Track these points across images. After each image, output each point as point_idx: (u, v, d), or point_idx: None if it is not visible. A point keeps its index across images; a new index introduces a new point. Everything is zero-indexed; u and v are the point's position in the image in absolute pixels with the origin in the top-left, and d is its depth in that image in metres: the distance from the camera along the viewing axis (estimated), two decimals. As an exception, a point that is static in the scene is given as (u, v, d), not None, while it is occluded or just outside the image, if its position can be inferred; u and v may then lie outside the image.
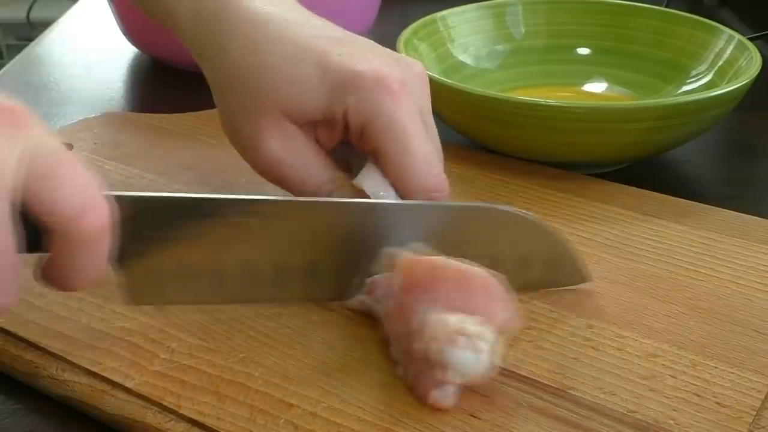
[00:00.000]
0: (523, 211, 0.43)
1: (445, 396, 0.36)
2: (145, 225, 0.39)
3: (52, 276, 0.34)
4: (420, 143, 0.42)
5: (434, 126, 0.45)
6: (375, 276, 0.41)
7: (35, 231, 0.32)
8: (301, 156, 0.44)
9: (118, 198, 0.35)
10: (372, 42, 0.45)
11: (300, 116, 0.43)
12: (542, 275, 0.44)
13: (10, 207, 0.30)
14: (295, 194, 0.45)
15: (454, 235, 0.42)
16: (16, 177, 0.30)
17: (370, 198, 0.43)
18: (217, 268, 0.41)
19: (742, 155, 0.66)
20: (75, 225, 0.32)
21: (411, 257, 0.39)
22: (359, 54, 0.43)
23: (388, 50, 0.45)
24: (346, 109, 0.42)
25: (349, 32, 0.46)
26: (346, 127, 0.43)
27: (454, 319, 0.36)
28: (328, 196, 0.44)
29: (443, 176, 0.43)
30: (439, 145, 0.45)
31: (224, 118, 0.46)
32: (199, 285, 0.42)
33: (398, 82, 0.42)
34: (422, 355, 0.36)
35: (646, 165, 0.60)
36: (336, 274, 0.42)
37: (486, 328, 0.36)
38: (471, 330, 0.36)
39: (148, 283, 0.41)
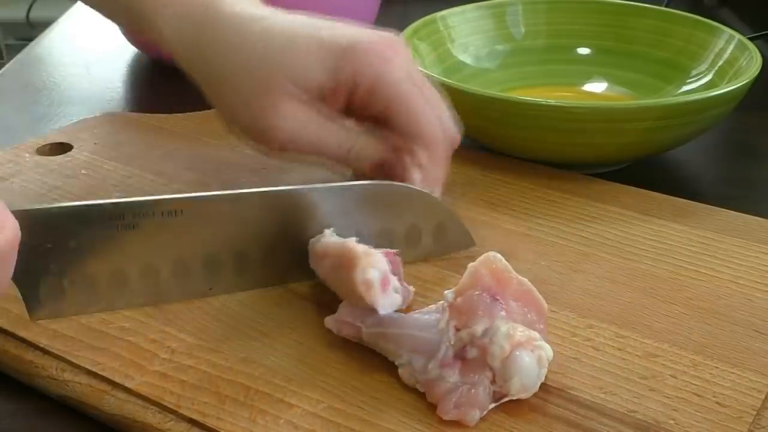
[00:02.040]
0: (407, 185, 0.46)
1: (475, 417, 0.36)
2: (39, 237, 0.40)
3: None
4: (421, 100, 0.46)
5: (427, 81, 0.48)
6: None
7: None
8: (313, 128, 0.46)
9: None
10: (348, 24, 0.48)
11: (307, 91, 0.46)
12: (432, 243, 0.47)
13: None
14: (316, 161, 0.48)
15: (356, 214, 0.45)
16: None
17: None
18: (120, 272, 0.42)
19: (742, 155, 0.66)
20: None
21: (481, 262, 0.38)
22: (344, 29, 0.47)
23: (365, 28, 0.48)
24: (347, 77, 0.45)
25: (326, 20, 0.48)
26: (348, 96, 0.46)
27: (523, 329, 0.36)
28: (349, 153, 0.47)
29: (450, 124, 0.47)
30: (439, 97, 0.48)
31: (232, 115, 0.48)
32: (104, 291, 0.42)
33: (388, 46, 0.46)
34: (479, 363, 0.36)
35: (646, 165, 0.59)
36: (263, 261, 0.44)
37: (546, 345, 0.37)
38: (538, 343, 0.36)
39: (49, 294, 0.41)
